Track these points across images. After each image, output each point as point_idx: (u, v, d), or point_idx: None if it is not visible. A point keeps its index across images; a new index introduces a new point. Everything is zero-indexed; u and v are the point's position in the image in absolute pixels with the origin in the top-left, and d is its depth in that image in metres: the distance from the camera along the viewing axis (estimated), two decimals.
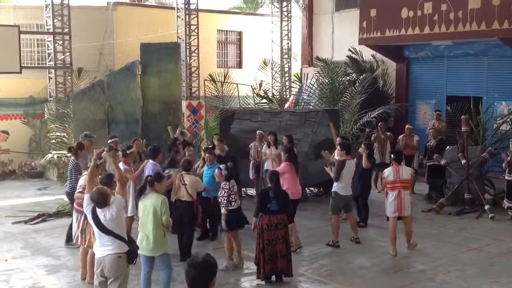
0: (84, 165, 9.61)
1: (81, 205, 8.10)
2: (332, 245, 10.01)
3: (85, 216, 7.77)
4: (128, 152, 10.04)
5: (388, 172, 9.57)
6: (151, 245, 7.25)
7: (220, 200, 8.68)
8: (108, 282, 6.30)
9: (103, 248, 6.27)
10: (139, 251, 7.18)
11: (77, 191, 8.56)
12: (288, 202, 8.56)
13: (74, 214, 8.51)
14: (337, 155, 10.65)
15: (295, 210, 9.75)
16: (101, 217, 6.19)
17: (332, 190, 10.07)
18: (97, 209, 6.21)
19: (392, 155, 9.89)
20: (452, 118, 14.97)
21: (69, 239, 10.03)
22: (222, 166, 9.07)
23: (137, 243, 7.17)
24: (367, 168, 11.07)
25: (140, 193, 7.57)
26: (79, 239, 8.32)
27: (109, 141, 11.48)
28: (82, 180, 8.51)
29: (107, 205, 6.19)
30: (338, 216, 10.07)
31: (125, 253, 6.28)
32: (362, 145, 11.25)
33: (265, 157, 12.58)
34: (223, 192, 8.64)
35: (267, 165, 12.30)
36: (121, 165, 9.09)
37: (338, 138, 11.57)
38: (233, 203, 8.64)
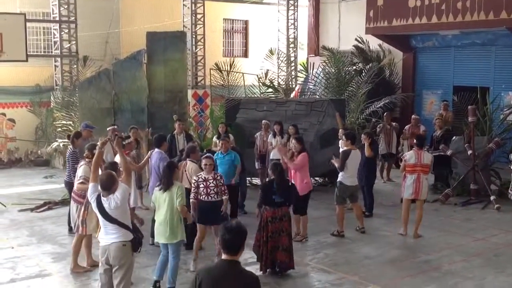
0: (81, 153, 9.50)
1: (81, 196, 8.13)
2: (337, 235, 10.01)
3: (85, 206, 7.84)
4: (124, 143, 9.53)
5: (409, 155, 9.81)
6: (167, 233, 7.32)
7: (220, 189, 8.40)
8: (113, 270, 6.32)
9: (108, 236, 6.28)
10: (156, 239, 7.48)
11: (78, 181, 8.36)
12: (292, 193, 8.53)
13: (74, 205, 8.44)
14: (342, 145, 10.63)
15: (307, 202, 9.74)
16: (106, 205, 6.19)
17: (338, 180, 10.07)
18: (102, 197, 6.21)
19: (415, 140, 10.16)
20: (459, 108, 14.92)
21: (71, 228, 10.05)
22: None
23: (154, 230, 7.39)
24: (370, 157, 11.05)
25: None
26: (80, 228, 8.29)
27: (108, 129, 11.57)
28: (82, 171, 8.35)
29: (113, 191, 6.19)
30: (342, 206, 10.08)
31: (129, 241, 6.30)
32: (363, 134, 11.25)
33: (271, 146, 12.57)
34: (215, 182, 8.33)
35: (273, 155, 12.28)
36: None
37: (341, 130, 11.52)
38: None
